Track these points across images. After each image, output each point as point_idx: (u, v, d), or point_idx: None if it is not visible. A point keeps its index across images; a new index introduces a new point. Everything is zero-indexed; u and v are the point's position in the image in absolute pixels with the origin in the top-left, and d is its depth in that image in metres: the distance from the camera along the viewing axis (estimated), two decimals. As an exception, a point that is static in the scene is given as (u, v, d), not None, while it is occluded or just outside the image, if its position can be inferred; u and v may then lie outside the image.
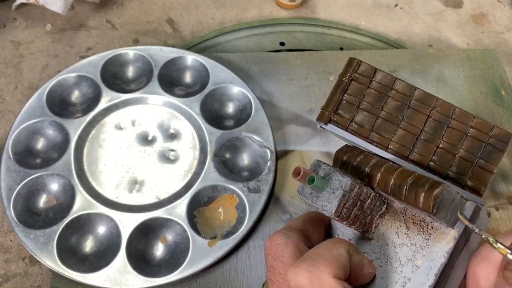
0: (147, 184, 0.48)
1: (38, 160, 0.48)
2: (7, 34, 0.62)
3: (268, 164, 0.48)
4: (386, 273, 0.32)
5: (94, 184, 0.48)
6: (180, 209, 0.45)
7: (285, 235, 0.33)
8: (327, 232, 0.38)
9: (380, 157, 0.36)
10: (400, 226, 0.33)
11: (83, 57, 0.54)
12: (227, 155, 0.50)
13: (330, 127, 0.37)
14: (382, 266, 0.33)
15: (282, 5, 0.68)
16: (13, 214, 0.44)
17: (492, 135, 0.36)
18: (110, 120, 0.51)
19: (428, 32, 0.68)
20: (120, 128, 0.51)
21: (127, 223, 0.44)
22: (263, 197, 0.46)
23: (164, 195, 0.47)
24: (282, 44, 0.64)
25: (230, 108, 0.54)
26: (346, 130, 0.37)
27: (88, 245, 0.45)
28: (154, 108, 0.53)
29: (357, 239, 0.35)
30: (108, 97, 0.52)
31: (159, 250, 0.45)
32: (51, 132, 0.50)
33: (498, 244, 0.25)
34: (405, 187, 0.30)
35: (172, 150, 0.50)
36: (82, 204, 0.45)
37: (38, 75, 0.59)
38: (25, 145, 0.49)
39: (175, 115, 0.52)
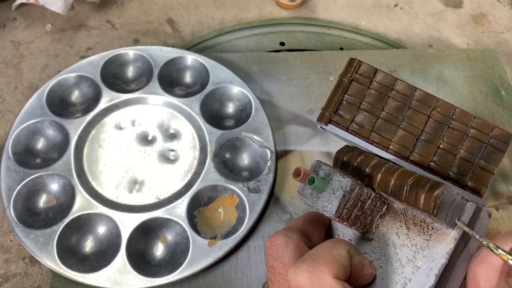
0: (147, 184, 0.48)
1: (38, 160, 0.48)
2: (7, 34, 0.62)
3: (268, 164, 0.48)
4: (387, 274, 0.32)
5: (94, 184, 0.47)
6: (180, 209, 0.45)
7: (286, 235, 0.33)
8: (328, 232, 0.38)
9: (381, 157, 0.36)
10: (401, 226, 0.33)
11: (83, 57, 0.54)
12: (227, 155, 0.50)
13: (331, 127, 0.37)
14: (383, 267, 0.33)
15: (282, 5, 0.68)
16: (13, 214, 0.44)
17: (492, 136, 0.36)
18: (110, 120, 0.51)
19: (428, 32, 0.68)
20: (120, 128, 0.51)
21: (127, 223, 0.44)
22: (263, 197, 0.46)
23: (164, 195, 0.47)
24: (282, 44, 0.64)
25: (230, 108, 0.54)
26: (347, 131, 0.37)
27: (88, 245, 0.45)
28: (154, 108, 0.53)
29: (358, 239, 0.35)
30: (108, 97, 0.52)
31: (159, 250, 0.45)
32: (51, 132, 0.50)
33: (499, 250, 0.25)
34: (405, 188, 0.30)
35: (172, 150, 0.50)
36: (82, 204, 0.45)
37: (38, 75, 0.59)
38: (25, 145, 0.49)
39: (175, 115, 0.52)
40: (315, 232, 0.35)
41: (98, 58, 0.53)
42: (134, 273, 0.42)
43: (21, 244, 0.44)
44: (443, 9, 0.71)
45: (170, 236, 0.45)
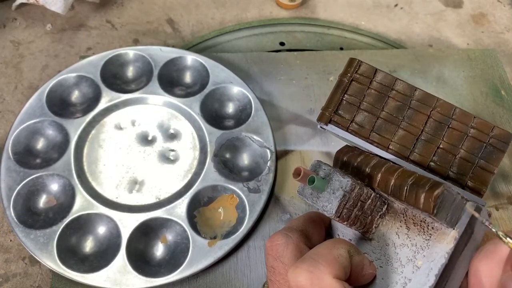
0: (147, 184, 0.48)
1: (38, 160, 0.48)
2: (7, 34, 0.62)
3: (268, 164, 0.48)
4: (387, 274, 0.32)
5: (94, 184, 0.47)
6: (180, 209, 0.45)
7: (286, 235, 0.33)
8: (328, 232, 0.38)
9: (381, 157, 0.36)
10: (401, 226, 0.33)
11: (83, 57, 0.54)
12: (227, 155, 0.50)
13: (331, 127, 0.37)
14: (383, 267, 0.33)
15: (282, 5, 0.68)
16: (13, 214, 0.44)
17: (492, 136, 0.36)
18: (110, 120, 0.51)
19: (428, 32, 0.68)
20: (120, 128, 0.51)
21: (127, 223, 0.44)
22: (263, 197, 0.46)
23: (164, 195, 0.47)
24: (282, 44, 0.64)
25: (230, 108, 0.54)
26: (347, 131, 0.37)
27: (88, 245, 0.45)
28: (154, 108, 0.53)
29: (358, 239, 0.35)
30: (108, 97, 0.52)
31: (159, 250, 0.45)
32: (51, 132, 0.50)
33: (508, 238, 0.25)
34: (405, 188, 0.30)
35: (172, 150, 0.50)
36: (82, 204, 0.45)
37: (38, 75, 0.59)
38: (25, 145, 0.49)
39: (175, 115, 0.52)
40: (315, 232, 0.35)
41: (98, 58, 0.53)
42: (134, 273, 0.42)
43: (21, 244, 0.44)
44: (443, 9, 0.71)
45: (170, 236, 0.45)
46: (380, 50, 0.63)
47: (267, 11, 0.68)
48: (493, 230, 0.26)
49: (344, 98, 0.37)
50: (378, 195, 0.33)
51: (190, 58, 0.55)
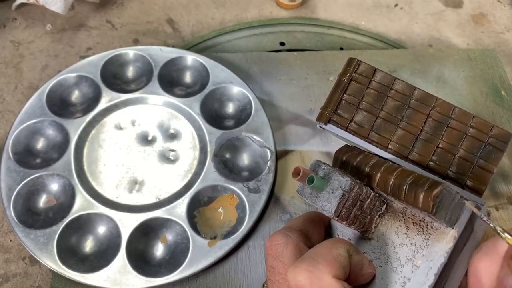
0: (147, 184, 0.48)
1: (38, 160, 0.48)
2: (7, 34, 0.62)
3: (268, 164, 0.48)
4: (386, 273, 0.32)
5: (94, 184, 0.48)
6: (180, 209, 0.45)
7: (285, 235, 0.33)
8: (327, 232, 0.38)
9: (380, 157, 0.36)
10: (400, 226, 0.33)
11: (83, 57, 0.54)
12: (227, 155, 0.50)
13: (330, 127, 0.37)
14: (382, 266, 0.33)
15: (282, 5, 0.68)
16: (13, 214, 0.44)
17: (492, 135, 0.36)
18: (110, 120, 0.51)
19: (428, 32, 0.68)
20: (120, 128, 0.51)
21: (127, 223, 0.44)
22: (263, 197, 0.46)
23: (164, 195, 0.47)
24: (282, 44, 0.64)
25: (230, 108, 0.54)
26: (346, 130, 0.37)
27: (88, 245, 0.45)
28: (154, 108, 0.53)
29: (357, 239, 0.35)
30: (108, 97, 0.52)
31: (159, 250, 0.45)
32: (51, 132, 0.50)
33: (506, 234, 0.25)
34: (404, 187, 0.30)
35: (172, 150, 0.50)
36: (82, 204, 0.45)
37: (38, 75, 0.59)
38: (25, 145, 0.49)
39: (175, 115, 0.52)
40: (314, 231, 0.35)
41: (98, 58, 0.54)
42: (134, 273, 0.42)
43: (21, 244, 0.44)
44: (443, 9, 0.71)
45: (170, 236, 0.45)
46: (380, 50, 0.63)
47: (267, 11, 0.68)
48: (491, 225, 0.26)
49: (343, 98, 0.37)
50: (377, 194, 0.33)
51: (190, 58, 0.55)
